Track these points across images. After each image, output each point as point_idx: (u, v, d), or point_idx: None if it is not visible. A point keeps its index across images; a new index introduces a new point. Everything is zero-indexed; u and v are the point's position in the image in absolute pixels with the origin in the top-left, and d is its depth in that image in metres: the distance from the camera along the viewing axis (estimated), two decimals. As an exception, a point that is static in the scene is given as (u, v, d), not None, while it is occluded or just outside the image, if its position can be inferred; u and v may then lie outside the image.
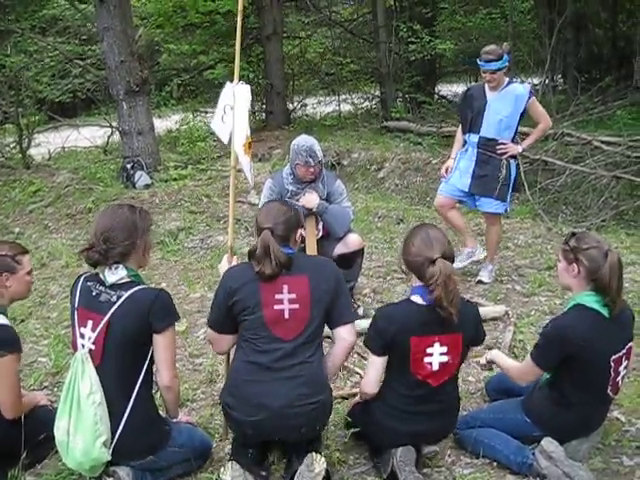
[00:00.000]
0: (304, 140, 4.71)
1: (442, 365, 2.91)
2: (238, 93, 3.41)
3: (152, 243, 2.99)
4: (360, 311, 5.03)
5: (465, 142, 5.55)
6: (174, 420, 2.99)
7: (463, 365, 4.10)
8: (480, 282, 5.49)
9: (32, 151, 11.34)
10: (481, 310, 4.74)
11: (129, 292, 2.71)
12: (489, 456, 3.15)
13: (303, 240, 4.87)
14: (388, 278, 5.77)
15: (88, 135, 11.55)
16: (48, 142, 11.25)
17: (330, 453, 3.23)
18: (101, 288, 2.75)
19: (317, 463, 2.82)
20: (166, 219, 7.69)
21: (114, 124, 9.86)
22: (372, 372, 3.01)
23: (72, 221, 7.88)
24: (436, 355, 2.89)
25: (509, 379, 3.42)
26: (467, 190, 5.49)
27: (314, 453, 2.86)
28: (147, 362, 2.76)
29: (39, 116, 10.96)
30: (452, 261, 2.86)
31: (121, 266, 2.76)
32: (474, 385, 3.90)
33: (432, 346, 2.87)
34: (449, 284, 2.76)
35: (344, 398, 3.78)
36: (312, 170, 4.70)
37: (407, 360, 2.90)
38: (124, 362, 2.72)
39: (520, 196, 9.01)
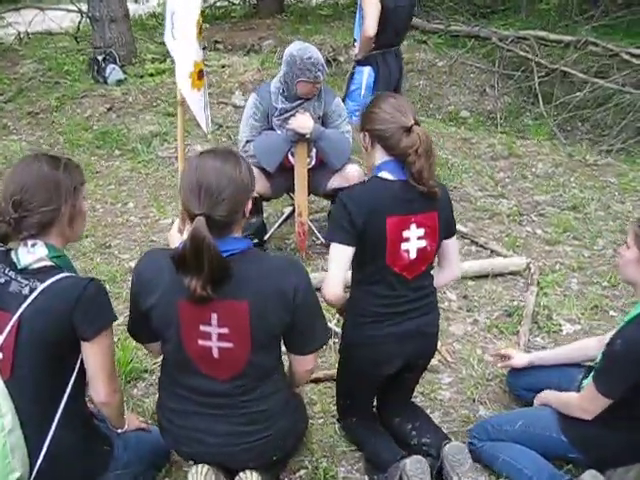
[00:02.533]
0: (307, 51, 3.82)
1: (420, 252, 2.40)
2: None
3: (85, 208, 2.20)
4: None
5: None
6: (119, 431, 2.32)
7: (478, 336, 3.50)
8: None
9: (-1, 33, 10.21)
10: (500, 262, 4.15)
11: (46, 283, 1.96)
12: (512, 479, 2.54)
13: (266, 199, 4.16)
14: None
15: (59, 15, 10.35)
16: (17, 23, 10.07)
17: (315, 462, 2.61)
18: (11, 274, 2.00)
19: None
20: (139, 122, 6.81)
21: (84, 9, 8.71)
22: (337, 268, 2.35)
23: (34, 121, 6.97)
24: (413, 240, 2.38)
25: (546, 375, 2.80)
26: None
27: (242, 473, 2.19)
28: (75, 373, 2.06)
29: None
30: None
31: (40, 242, 2.01)
32: (492, 369, 3.24)
33: (409, 228, 2.36)
34: (430, 154, 2.27)
35: (319, 380, 3.11)
36: (318, 87, 3.88)
37: (383, 248, 2.35)
38: (42, 375, 2.00)
39: (533, 109, 8.23)
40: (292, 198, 4.47)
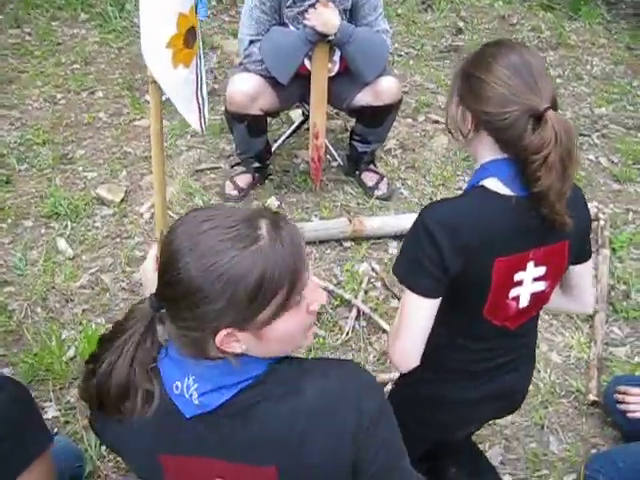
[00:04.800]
0: None
1: (534, 297, 1.56)
2: None
3: None
4: (383, 186, 3.46)
5: None
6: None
7: (542, 322, 2.76)
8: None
9: None
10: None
11: None
12: None
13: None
14: (420, 120, 4.07)
15: None
16: None
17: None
18: None
19: None
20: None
21: None
22: (415, 329, 1.50)
23: None
24: (527, 283, 1.52)
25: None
26: None
27: None
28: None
29: None
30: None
31: None
32: (563, 377, 2.52)
33: (524, 269, 1.50)
34: (570, 161, 1.36)
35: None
36: None
37: (482, 299, 1.52)
38: None
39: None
40: (305, 108, 3.53)
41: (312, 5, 2.95)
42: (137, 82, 4.36)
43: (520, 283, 1.51)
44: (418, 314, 1.48)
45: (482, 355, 1.63)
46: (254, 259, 0.99)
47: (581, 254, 1.61)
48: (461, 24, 5.28)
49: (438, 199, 1.48)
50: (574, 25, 5.41)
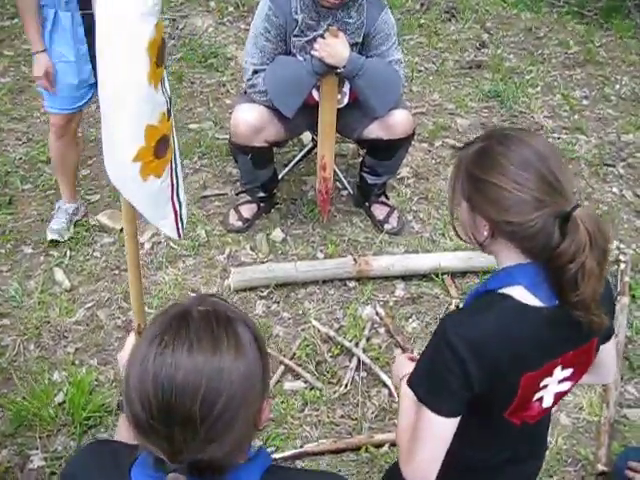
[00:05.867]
0: None
1: (557, 396, 1.46)
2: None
3: None
4: (393, 220, 3.33)
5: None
6: None
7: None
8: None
9: None
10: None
11: None
12: None
13: None
14: (437, 145, 3.93)
15: None
16: None
17: None
18: None
19: None
20: None
21: None
22: (432, 447, 1.36)
23: None
24: (553, 385, 1.42)
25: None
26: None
27: None
28: None
29: None
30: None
31: None
32: (570, 442, 2.39)
33: (550, 375, 1.40)
34: (605, 261, 1.26)
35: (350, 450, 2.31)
36: None
37: (505, 407, 1.40)
38: None
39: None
40: (314, 134, 3.41)
41: (321, 35, 2.83)
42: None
43: (545, 387, 1.40)
44: (437, 434, 1.35)
45: (501, 448, 1.52)
46: (243, 330, 1.00)
47: (607, 334, 1.47)
48: (485, 36, 5.11)
49: (460, 308, 1.34)
50: (604, 39, 5.19)
